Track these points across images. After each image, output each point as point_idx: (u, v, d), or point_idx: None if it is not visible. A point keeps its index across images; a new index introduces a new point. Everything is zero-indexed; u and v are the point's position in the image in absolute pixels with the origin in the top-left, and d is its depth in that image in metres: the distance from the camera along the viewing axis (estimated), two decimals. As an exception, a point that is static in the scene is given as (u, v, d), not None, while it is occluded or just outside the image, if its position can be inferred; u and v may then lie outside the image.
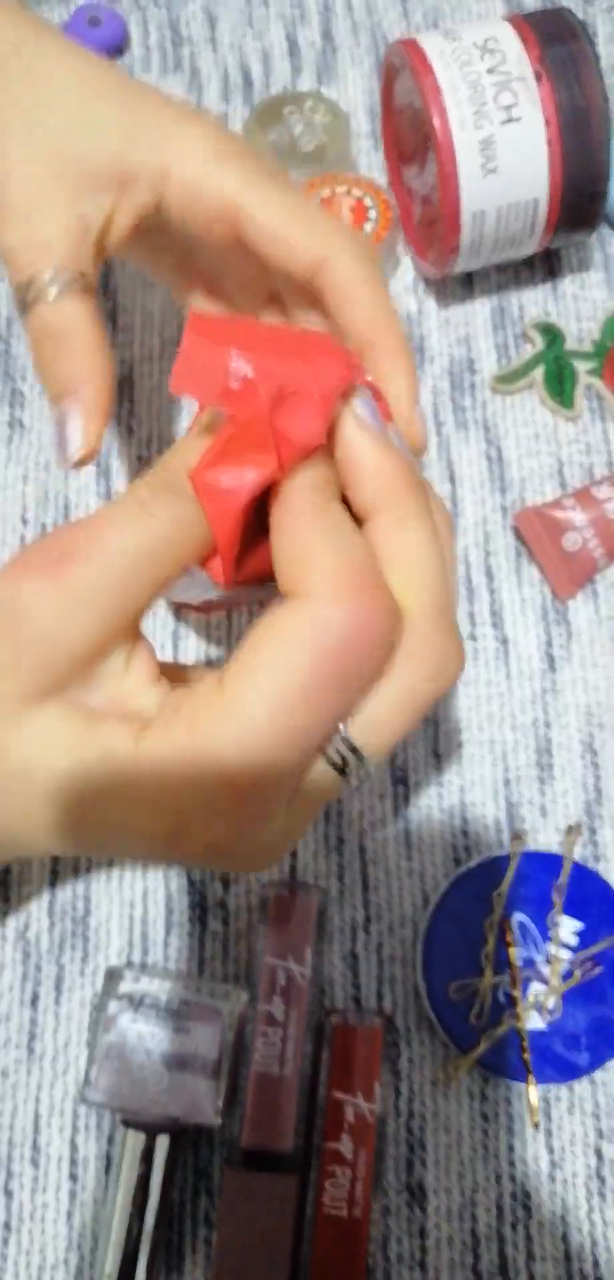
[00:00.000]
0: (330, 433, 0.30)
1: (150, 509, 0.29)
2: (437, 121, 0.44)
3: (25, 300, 0.36)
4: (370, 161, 0.55)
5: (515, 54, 0.44)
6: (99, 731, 0.28)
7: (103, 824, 0.29)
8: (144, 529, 0.29)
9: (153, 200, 0.36)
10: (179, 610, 0.47)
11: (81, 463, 0.35)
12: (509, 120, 0.44)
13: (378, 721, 0.29)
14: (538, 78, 0.44)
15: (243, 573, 0.31)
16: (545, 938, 0.41)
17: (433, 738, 0.44)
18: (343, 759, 0.29)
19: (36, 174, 0.36)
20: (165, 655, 0.46)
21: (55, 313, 0.36)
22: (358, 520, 0.30)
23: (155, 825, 0.29)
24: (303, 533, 0.28)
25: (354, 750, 0.29)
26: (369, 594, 0.28)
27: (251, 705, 0.27)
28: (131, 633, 0.29)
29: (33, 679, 0.28)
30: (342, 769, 0.29)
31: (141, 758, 0.28)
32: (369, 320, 0.35)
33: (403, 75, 0.48)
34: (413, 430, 0.35)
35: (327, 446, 0.30)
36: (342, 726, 0.29)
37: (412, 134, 0.50)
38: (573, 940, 0.41)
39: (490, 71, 0.44)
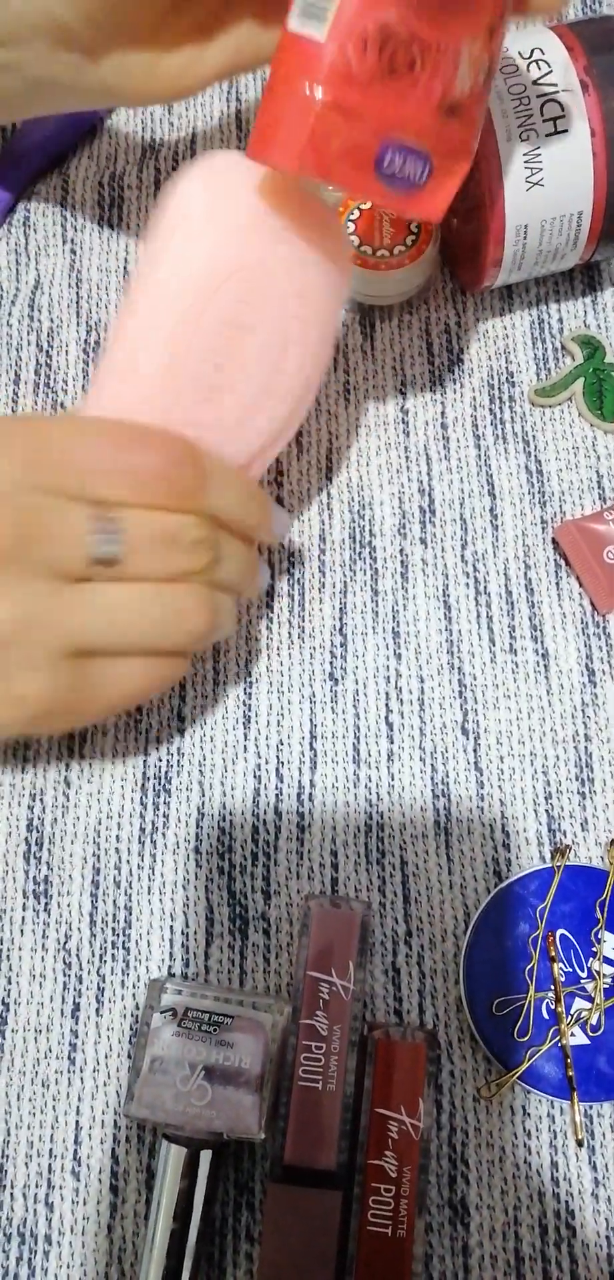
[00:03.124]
0: None
1: None
2: (482, 134, 0.43)
3: None
4: (408, 172, 0.55)
5: (562, 64, 0.44)
6: None
7: None
8: None
9: None
10: None
11: None
12: (555, 132, 0.43)
13: None
14: (584, 88, 0.44)
15: None
16: (589, 953, 0.41)
17: (473, 750, 0.44)
18: None
19: None
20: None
21: None
22: None
23: None
24: None
25: None
26: None
27: None
28: None
29: None
30: None
31: None
32: None
33: (445, 86, 0.48)
34: None
35: None
36: None
37: (453, 145, 0.49)
38: (615, 957, 0.41)
39: (536, 82, 0.44)
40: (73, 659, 0.36)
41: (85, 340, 0.52)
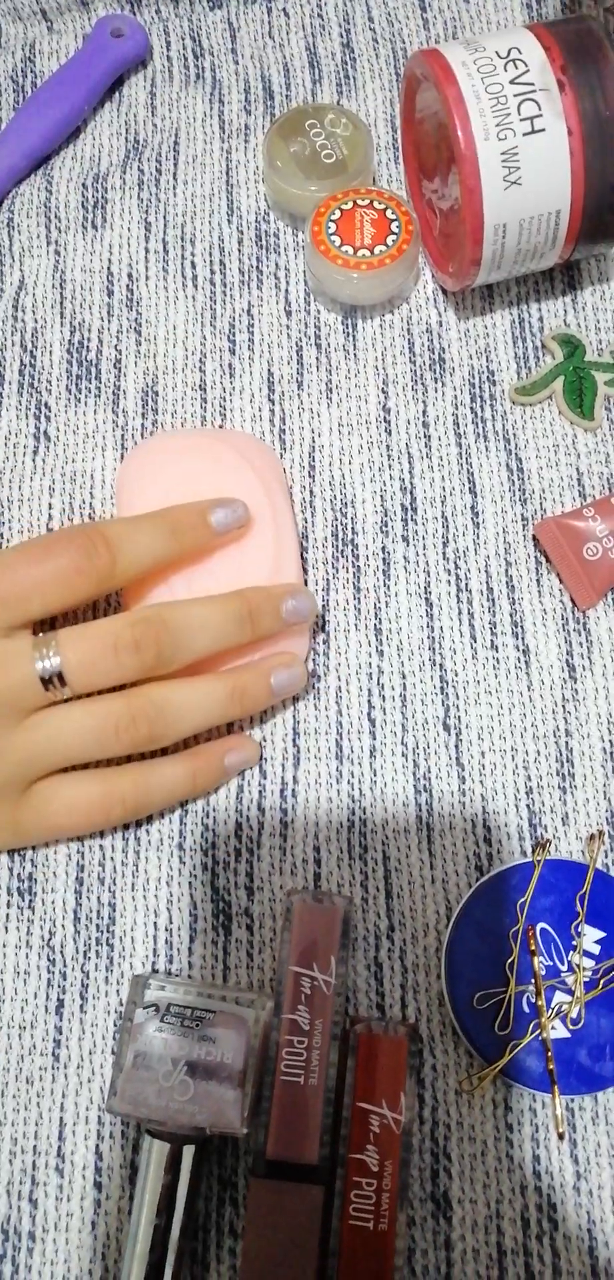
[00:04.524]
0: None
1: None
2: (460, 133, 0.44)
3: None
4: (391, 174, 0.55)
5: (539, 64, 0.44)
6: None
7: None
8: None
9: None
10: None
11: None
12: (532, 131, 0.44)
13: None
14: (561, 87, 0.44)
15: None
16: (569, 947, 0.41)
17: (455, 746, 0.44)
18: None
19: None
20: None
21: None
22: None
23: None
24: None
25: None
26: None
27: None
28: None
29: None
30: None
31: None
32: None
33: (425, 86, 0.48)
34: None
35: None
36: None
37: (433, 146, 0.50)
38: (596, 949, 0.41)
39: (513, 82, 0.44)
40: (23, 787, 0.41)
41: (69, 341, 0.52)
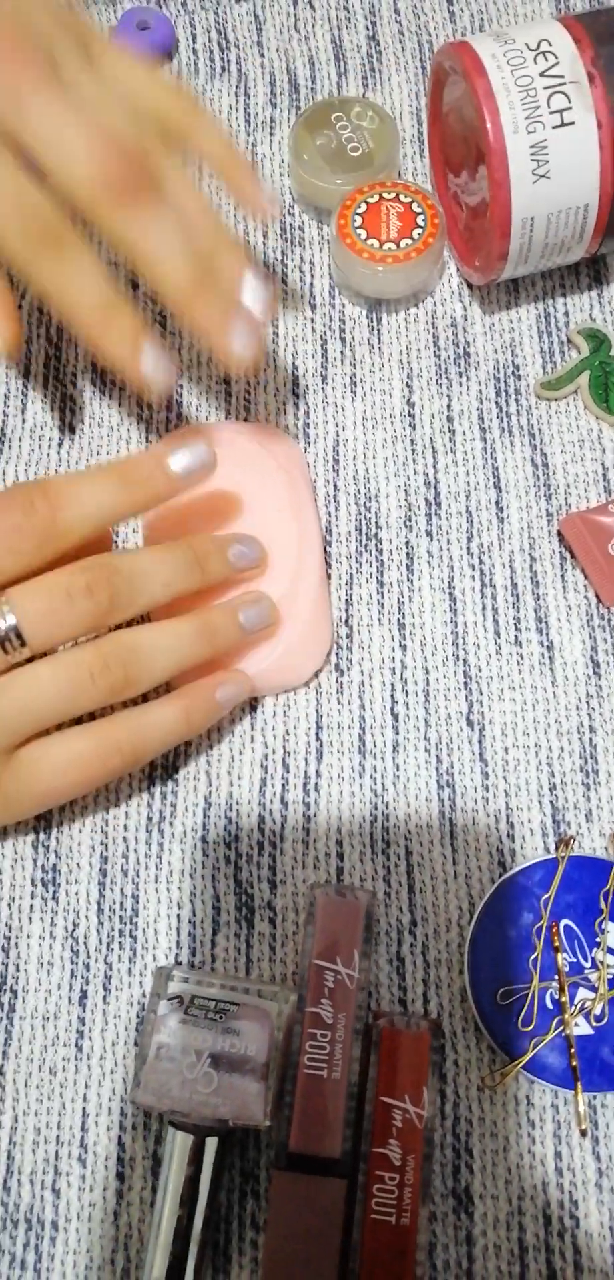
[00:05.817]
0: None
1: None
2: (489, 126, 0.44)
3: None
4: (416, 167, 0.55)
5: (569, 56, 0.44)
6: None
7: None
8: None
9: None
10: None
11: None
12: (562, 124, 0.44)
13: None
14: (591, 79, 0.44)
15: None
16: (593, 943, 0.41)
17: (478, 742, 0.44)
18: None
19: None
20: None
21: None
22: None
23: None
24: None
25: None
26: None
27: None
28: None
29: None
30: None
31: None
32: None
33: (453, 78, 0.48)
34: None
35: None
36: None
37: (460, 139, 0.50)
38: (620, 948, 0.41)
39: (543, 74, 0.44)
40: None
41: (93, 333, 0.52)
